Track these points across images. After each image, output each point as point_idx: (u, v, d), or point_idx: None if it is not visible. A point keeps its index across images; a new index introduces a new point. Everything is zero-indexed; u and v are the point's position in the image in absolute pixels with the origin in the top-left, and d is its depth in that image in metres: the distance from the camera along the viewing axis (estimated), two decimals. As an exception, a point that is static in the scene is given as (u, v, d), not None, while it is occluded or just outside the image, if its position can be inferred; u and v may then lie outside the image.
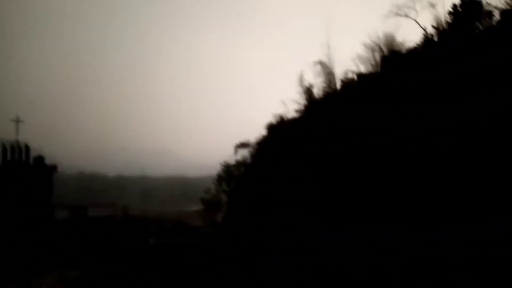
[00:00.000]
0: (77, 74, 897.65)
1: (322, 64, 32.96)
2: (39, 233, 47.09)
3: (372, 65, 36.02)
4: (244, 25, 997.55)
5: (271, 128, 34.39)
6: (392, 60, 31.96)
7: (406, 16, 34.23)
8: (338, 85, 32.86)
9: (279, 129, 32.84)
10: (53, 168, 51.84)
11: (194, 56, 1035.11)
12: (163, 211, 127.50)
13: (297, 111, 34.33)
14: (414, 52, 31.70)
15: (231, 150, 47.79)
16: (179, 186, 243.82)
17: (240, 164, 42.94)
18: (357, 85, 31.77)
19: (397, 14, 34.26)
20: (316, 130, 25.11)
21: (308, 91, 31.36)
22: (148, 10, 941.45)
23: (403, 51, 33.46)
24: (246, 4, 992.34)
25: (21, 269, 34.27)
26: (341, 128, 25.09)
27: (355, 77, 33.79)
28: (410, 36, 35.11)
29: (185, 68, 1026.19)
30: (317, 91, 33.25)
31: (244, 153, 41.10)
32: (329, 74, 32.83)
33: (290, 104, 33.36)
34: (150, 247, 27.71)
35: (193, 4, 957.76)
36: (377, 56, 35.71)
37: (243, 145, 39.33)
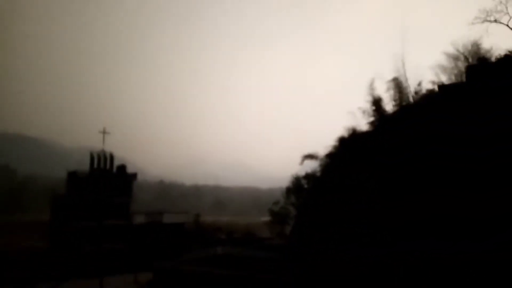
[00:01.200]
0: (162, 87, 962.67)
1: (396, 74, 31.19)
2: (117, 236, 50.55)
3: (455, 74, 33.44)
4: (318, 34, 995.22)
5: (342, 140, 33.07)
6: (478, 68, 29.34)
7: (496, 21, 31.29)
8: (413, 97, 30.87)
9: (351, 142, 31.44)
10: (134, 176, 55.45)
11: (268, 70, 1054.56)
12: (234, 220, 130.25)
13: (369, 123, 32.65)
14: (505, 59, 28.77)
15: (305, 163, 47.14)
16: (251, 197, 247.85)
17: (309, 176, 42.05)
18: (437, 96, 29.64)
19: (486, 20, 31.51)
20: (388, 143, 23.68)
21: (379, 103, 29.76)
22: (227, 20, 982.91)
23: (492, 58, 30.62)
24: (321, 12, 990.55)
25: (98, 269, 36.65)
26: (416, 140, 23.38)
27: (436, 87, 31.63)
28: (500, 42, 32.04)
29: (259, 81, 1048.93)
30: (390, 103, 31.45)
31: (312, 165, 40.23)
32: (402, 85, 30.94)
33: (361, 117, 31.87)
34: (217, 255, 27.99)
35: (269, 12, 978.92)
36: (461, 65, 33.14)
37: (310, 156, 38.41)
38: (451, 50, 33.72)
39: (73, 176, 51.28)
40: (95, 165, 52.35)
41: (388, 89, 31.16)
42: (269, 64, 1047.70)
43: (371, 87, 30.70)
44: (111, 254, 46.56)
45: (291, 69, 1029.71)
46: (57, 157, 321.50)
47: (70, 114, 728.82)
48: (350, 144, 31.40)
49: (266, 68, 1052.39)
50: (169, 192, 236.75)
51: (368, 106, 31.69)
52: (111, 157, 53.92)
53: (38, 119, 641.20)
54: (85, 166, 52.07)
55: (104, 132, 53.82)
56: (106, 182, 51.65)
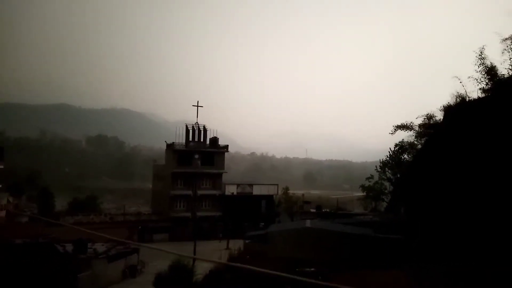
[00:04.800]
0: (253, 61, 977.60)
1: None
2: (210, 205, 52.85)
3: None
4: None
5: (449, 109, 28.99)
6: None
7: None
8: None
9: (459, 111, 27.39)
10: (225, 148, 56.84)
11: (363, 36, 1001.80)
12: (324, 194, 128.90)
13: (483, 91, 27.99)
14: None
15: (398, 135, 43.29)
16: (342, 171, 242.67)
17: (407, 149, 38.45)
18: None
19: None
20: (507, 112, 19.88)
21: (492, 70, 25.10)
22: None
23: None
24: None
25: (193, 234, 38.24)
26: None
27: None
28: None
29: (351, 50, 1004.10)
30: (506, 69, 26.48)
31: (406, 137, 36.20)
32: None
33: (470, 84, 27.42)
34: (306, 229, 27.11)
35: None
36: None
37: (404, 127, 34.11)
38: None
39: (170, 148, 54.26)
40: (190, 138, 54.64)
41: (504, 51, 26.18)
42: (363, 31, 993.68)
43: (483, 50, 26.01)
44: (205, 220, 48.97)
45: (386, 35, 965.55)
46: (158, 130, 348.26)
47: (168, 89, 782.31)
48: (458, 113, 27.35)
49: (360, 36, 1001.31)
50: (260, 164, 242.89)
51: (479, 70, 27.17)
52: (204, 130, 55.77)
53: (141, 95, 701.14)
54: (182, 138, 54.60)
55: (197, 106, 55.62)
56: (199, 153, 53.70)
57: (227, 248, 37.46)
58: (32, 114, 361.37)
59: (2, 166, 51.80)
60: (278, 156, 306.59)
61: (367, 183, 45.34)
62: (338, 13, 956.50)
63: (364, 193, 46.63)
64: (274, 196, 58.29)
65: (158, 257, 28.37)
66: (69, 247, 25.50)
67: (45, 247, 24.55)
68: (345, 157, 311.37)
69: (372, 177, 45.14)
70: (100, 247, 26.81)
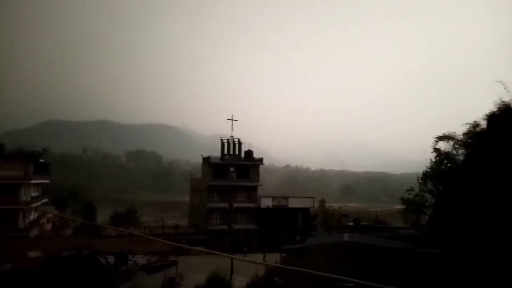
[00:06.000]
0: (285, 75, 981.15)
1: None
2: (246, 218, 52.83)
3: None
4: None
5: (493, 118, 27.79)
6: None
7: None
8: None
9: (505, 121, 26.25)
10: (260, 160, 56.98)
11: (397, 42, 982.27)
12: (361, 207, 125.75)
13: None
14: None
15: (439, 146, 41.67)
16: (380, 183, 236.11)
17: (450, 159, 36.91)
18: None
19: None
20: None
21: None
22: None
23: None
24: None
25: (229, 247, 38.25)
26: None
27: None
28: None
29: (382, 57, 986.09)
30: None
31: (447, 147, 34.63)
32: None
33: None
34: (344, 243, 26.51)
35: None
36: None
37: (445, 137, 32.76)
38: None
39: (206, 161, 55.02)
40: (225, 151, 55.25)
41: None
42: (396, 36, 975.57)
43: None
44: (240, 233, 48.96)
45: (421, 39, 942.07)
46: (194, 144, 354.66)
47: (204, 103, 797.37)
48: (503, 122, 26.12)
49: (395, 41, 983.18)
50: (295, 176, 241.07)
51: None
52: (239, 143, 56.25)
53: (178, 110, 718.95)
54: (217, 152, 55.32)
55: (232, 120, 56.33)
56: (234, 166, 54.12)
57: (264, 261, 37.28)
58: (75, 131, 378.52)
59: (48, 181, 54.51)
60: (313, 168, 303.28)
61: (407, 196, 43.81)
62: (370, 17, 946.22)
63: (404, 206, 45.08)
64: (310, 209, 57.54)
65: (196, 270, 28.63)
66: (111, 259, 26.23)
67: (88, 259, 25.38)
68: (382, 169, 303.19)
69: (412, 189, 43.58)
70: (140, 259, 27.40)
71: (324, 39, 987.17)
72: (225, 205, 48.92)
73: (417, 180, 42.36)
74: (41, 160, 50.62)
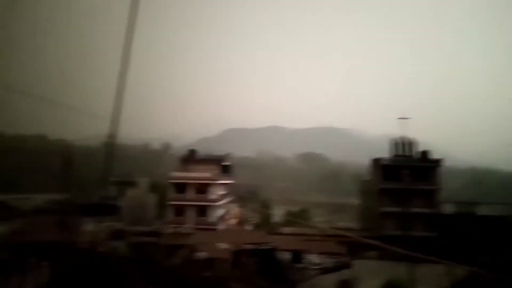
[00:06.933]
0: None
1: None
2: (423, 224, 48.17)
3: None
4: None
5: None
6: None
7: None
8: None
9: None
10: (438, 162, 51.48)
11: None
12: None
13: None
14: None
15: None
16: None
17: None
18: None
19: None
20: None
21: None
22: None
23: None
24: None
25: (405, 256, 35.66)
26: None
27: None
28: None
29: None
30: None
31: None
32: None
33: None
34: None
35: None
36: None
37: None
38: None
39: (376, 162, 52.88)
40: (397, 152, 52.07)
41: None
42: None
43: None
44: (418, 241, 44.90)
45: None
46: (362, 145, 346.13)
47: (371, 103, 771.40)
48: None
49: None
50: (483, 180, 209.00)
51: None
52: (413, 143, 52.21)
53: (344, 111, 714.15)
54: (388, 153, 52.71)
55: (403, 118, 52.69)
56: (408, 168, 50.31)
57: (448, 274, 33.42)
58: (251, 137, 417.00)
59: (233, 181, 61.33)
60: (507, 169, 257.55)
61: None
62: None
63: None
64: (506, 217, 48.87)
65: (371, 274, 27.63)
66: (287, 256, 27.67)
67: (267, 254, 27.34)
68: None
69: None
70: (315, 258, 28.07)
71: None
72: (399, 209, 45.95)
73: None
74: (225, 163, 57.28)
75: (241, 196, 77.39)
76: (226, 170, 56.70)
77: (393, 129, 60.53)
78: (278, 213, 74.19)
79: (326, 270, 26.43)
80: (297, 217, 63.20)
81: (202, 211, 49.76)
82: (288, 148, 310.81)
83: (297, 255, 27.14)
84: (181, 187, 50.80)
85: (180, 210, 50.08)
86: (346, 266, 27.93)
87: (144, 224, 48.11)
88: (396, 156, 51.91)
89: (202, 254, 27.35)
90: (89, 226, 33.20)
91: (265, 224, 59.05)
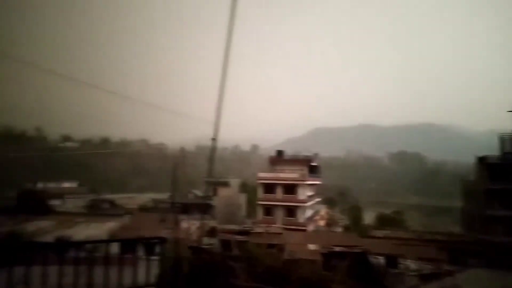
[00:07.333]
0: None
1: None
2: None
3: None
4: None
5: None
6: None
7: None
8: None
9: None
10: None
11: None
12: None
13: None
14: None
15: None
16: None
17: None
18: None
19: None
20: None
21: None
22: None
23: None
24: None
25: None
26: None
27: None
28: None
29: None
30: None
31: None
32: None
33: None
34: None
35: None
36: None
37: None
38: None
39: (482, 161, 48.05)
40: (505, 149, 46.73)
41: None
42: None
43: None
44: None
45: None
46: (465, 142, 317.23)
47: (476, 98, 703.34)
48: None
49: None
50: None
51: None
52: (523, 139, 46.39)
53: (444, 107, 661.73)
54: (496, 150, 47.64)
55: (514, 111, 47.00)
56: (521, 166, 44.81)
57: None
58: (339, 136, 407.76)
59: (321, 182, 60.70)
60: None
61: None
62: None
63: None
64: None
65: (476, 284, 25.16)
66: (380, 261, 26.49)
67: (359, 257, 26.46)
68: None
69: None
70: (412, 264, 26.49)
71: None
72: (508, 213, 41.22)
73: None
74: (313, 164, 56.87)
75: (330, 197, 76.11)
76: (314, 170, 56.29)
77: (501, 124, 54.58)
78: (369, 215, 71.41)
79: (425, 277, 24.72)
80: (390, 220, 60.18)
81: (291, 211, 50.06)
82: (380, 147, 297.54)
83: (392, 260, 25.80)
84: (270, 187, 51.74)
85: (269, 210, 51.03)
86: (447, 274, 25.79)
87: (235, 222, 50.00)
88: (505, 153, 46.57)
89: (292, 254, 27.49)
90: (187, 223, 35.48)
91: (356, 226, 57.25)
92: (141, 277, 5.41)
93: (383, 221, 61.30)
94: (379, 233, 44.46)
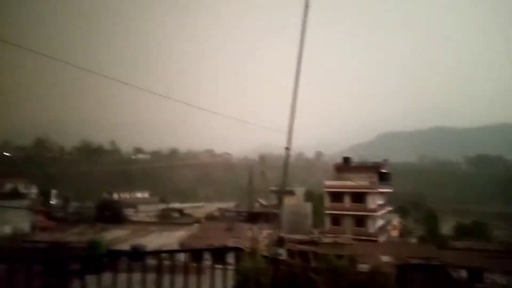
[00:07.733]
0: None
1: None
2: None
3: None
4: None
5: None
6: None
7: None
8: None
9: None
10: None
11: None
12: None
13: None
14: None
15: None
16: None
17: None
18: None
19: None
20: None
21: None
22: None
23: None
24: None
25: None
26: None
27: None
28: None
29: None
30: None
31: None
32: None
33: None
34: None
35: None
36: None
37: None
38: None
39: None
40: None
41: None
42: None
43: None
44: None
45: None
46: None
47: None
48: None
49: None
50: None
51: None
52: None
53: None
54: None
55: None
56: None
57: None
58: (409, 140, 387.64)
59: (391, 190, 58.02)
60: None
61: None
62: None
63: None
64: None
65: None
66: (462, 274, 24.53)
67: (438, 270, 24.73)
68: None
69: None
70: (499, 278, 24.19)
71: None
72: None
73: None
74: (383, 171, 54.54)
75: (402, 206, 72.29)
76: (384, 177, 53.92)
77: None
78: (447, 225, 66.60)
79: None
80: (472, 230, 55.59)
81: (360, 221, 48.29)
82: (455, 151, 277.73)
83: (476, 274, 23.71)
84: (337, 196, 50.43)
85: (337, 220, 49.69)
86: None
87: (302, 232, 49.31)
88: None
89: (363, 267, 26.46)
90: (253, 233, 35.74)
91: (432, 236, 53.61)
92: (218, 287, 5.49)
93: (463, 231, 56.83)
94: (460, 244, 41.25)
